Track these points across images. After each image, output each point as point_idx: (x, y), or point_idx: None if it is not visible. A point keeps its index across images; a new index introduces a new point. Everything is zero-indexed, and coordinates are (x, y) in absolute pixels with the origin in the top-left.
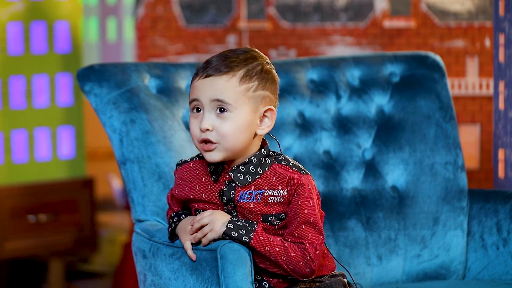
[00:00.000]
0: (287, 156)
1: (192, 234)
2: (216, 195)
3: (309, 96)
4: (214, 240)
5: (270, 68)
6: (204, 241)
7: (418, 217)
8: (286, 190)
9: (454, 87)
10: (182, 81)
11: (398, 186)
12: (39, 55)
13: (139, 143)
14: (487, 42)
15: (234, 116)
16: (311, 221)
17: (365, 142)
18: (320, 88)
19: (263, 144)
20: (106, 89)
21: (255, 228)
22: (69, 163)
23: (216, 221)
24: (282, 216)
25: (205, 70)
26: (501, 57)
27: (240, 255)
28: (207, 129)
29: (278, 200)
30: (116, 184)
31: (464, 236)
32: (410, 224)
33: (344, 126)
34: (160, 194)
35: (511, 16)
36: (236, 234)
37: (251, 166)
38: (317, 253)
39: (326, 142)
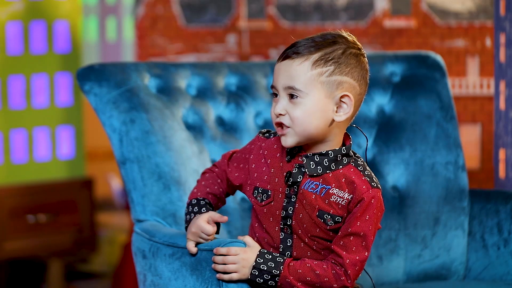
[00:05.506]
0: (365, 163)
1: (216, 271)
2: (284, 174)
3: None
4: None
5: (355, 52)
6: (226, 278)
7: (419, 217)
8: (351, 195)
9: (455, 86)
10: (182, 80)
11: (398, 186)
12: (38, 55)
13: (139, 143)
14: (488, 42)
15: (305, 101)
16: (361, 234)
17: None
18: None
19: (346, 143)
20: (105, 89)
21: (280, 271)
22: (68, 163)
23: (243, 263)
24: (337, 219)
25: (286, 50)
26: (502, 57)
27: None
28: (280, 114)
29: (340, 202)
30: (115, 184)
31: (465, 236)
32: (410, 224)
33: None
34: (160, 194)
35: None
36: (262, 280)
37: (326, 159)
38: (356, 269)
39: None
